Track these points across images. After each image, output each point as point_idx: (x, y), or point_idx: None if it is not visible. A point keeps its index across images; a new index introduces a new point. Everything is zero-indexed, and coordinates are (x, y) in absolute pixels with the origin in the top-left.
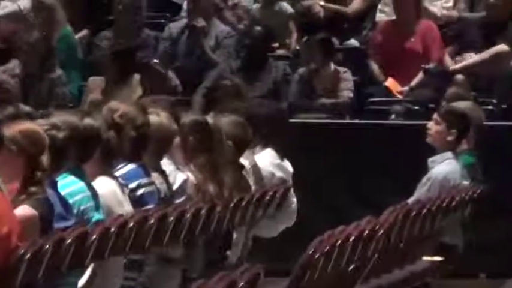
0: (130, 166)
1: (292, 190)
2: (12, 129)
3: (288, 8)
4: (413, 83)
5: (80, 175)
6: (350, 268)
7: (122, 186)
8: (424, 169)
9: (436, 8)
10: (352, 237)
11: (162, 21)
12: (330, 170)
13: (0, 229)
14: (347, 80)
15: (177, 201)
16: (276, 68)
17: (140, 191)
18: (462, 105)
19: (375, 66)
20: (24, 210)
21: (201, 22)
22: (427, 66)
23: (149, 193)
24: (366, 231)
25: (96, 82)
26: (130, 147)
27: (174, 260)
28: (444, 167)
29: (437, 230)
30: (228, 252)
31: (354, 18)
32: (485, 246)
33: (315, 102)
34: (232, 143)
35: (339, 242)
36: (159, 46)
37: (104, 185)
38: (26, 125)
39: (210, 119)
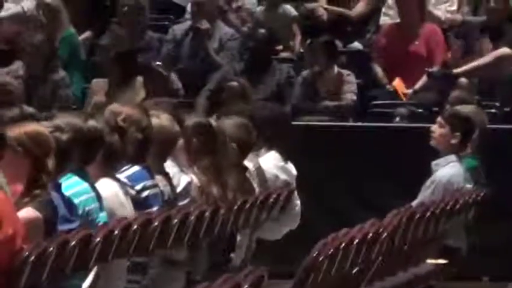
0: (135, 168)
1: (296, 193)
2: (19, 131)
3: (291, 10)
4: (417, 86)
5: (84, 177)
6: (354, 271)
7: (125, 188)
8: (428, 172)
9: (440, 12)
10: (356, 240)
11: (166, 23)
12: (333, 172)
13: (5, 231)
14: (350, 82)
15: (181, 203)
16: (279, 71)
17: (145, 193)
18: (466, 108)
19: (378, 69)
20: (28, 212)
21: (205, 24)
22: (430, 70)
23: (154, 195)
24: (370, 234)
25: (99, 84)
26: (134, 150)
27: (178, 263)
28: (448, 170)
29: (441, 233)
30: (232, 255)
31: (358, 21)
32: (489, 249)
33: (318, 104)
34: (236, 145)
35: (343, 244)
36: (163, 48)
37: (107, 187)
38: (33, 127)
39: (213, 121)
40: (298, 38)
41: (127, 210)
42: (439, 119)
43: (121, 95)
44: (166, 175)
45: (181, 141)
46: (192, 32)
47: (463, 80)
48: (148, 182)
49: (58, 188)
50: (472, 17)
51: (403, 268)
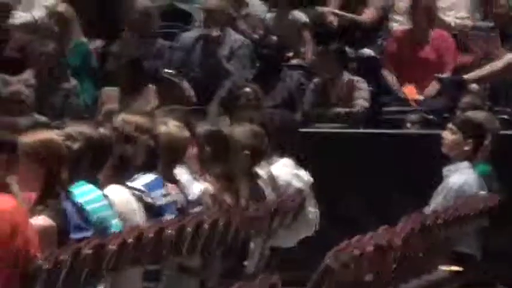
0: (151, 176)
1: (311, 199)
2: (33, 138)
3: (301, 16)
4: (428, 92)
5: (95, 184)
6: (367, 278)
7: (137, 195)
8: (439, 178)
9: (450, 18)
10: (369, 247)
11: (175, 30)
12: (344, 179)
13: (18, 239)
14: (362, 89)
15: (194, 211)
16: (290, 78)
17: (162, 201)
18: (478, 114)
19: (389, 76)
20: (42, 220)
21: (215, 32)
22: (441, 76)
23: (170, 203)
24: (383, 241)
25: (110, 92)
26: (146, 158)
27: (192, 270)
28: (460, 176)
29: (454, 240)
30: (245, 262)
31: (368, 27)
32: (502, 255)
33: (329, 111)
34: (248, 153)
35: (356, 252)
36: (173, 56)
37: (117, 194)
38: (46, 134)
39: (225, 128)
40: (309, 44)
41: (138, 217)
42: (450, 125)
43: (132, 103)
44: (177, 183)
45: (194, 149)
46: (203, 40)
47: (473, 86)
48: (163, 191)
49: (70, 196)
50: (481, 22)
51: (416, 275)
